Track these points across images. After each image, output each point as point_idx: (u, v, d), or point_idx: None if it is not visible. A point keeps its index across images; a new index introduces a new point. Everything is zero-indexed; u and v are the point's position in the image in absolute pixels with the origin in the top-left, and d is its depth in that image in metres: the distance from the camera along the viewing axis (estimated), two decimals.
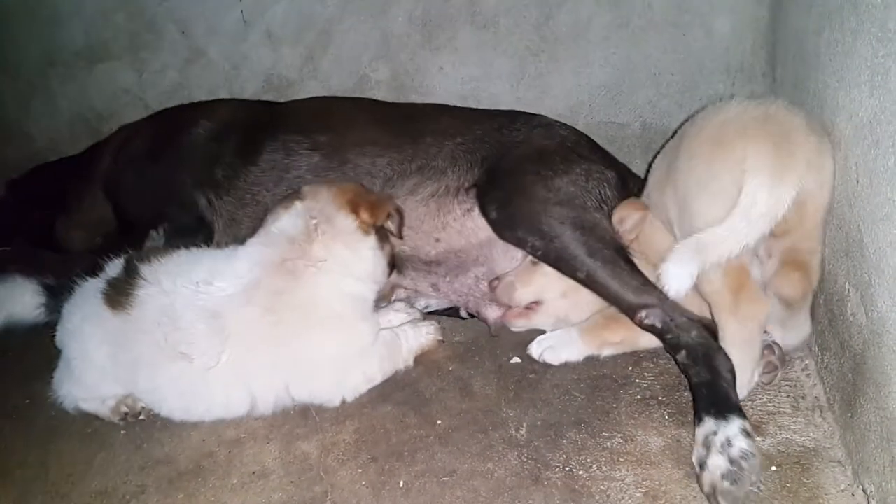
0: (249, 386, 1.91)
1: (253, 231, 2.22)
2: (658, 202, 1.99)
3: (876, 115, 1.48)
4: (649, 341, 2.02)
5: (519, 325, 2.26)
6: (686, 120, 2.01)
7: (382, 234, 2.08)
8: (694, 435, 1.65)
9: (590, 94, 2.95)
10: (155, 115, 2.92)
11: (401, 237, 2.15)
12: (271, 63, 3.16)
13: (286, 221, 1.99)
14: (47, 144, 3.43)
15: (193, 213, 2.51)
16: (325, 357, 1.95)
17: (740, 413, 1.64)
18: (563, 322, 2.21)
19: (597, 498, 1.60)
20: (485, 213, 2.22)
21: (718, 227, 1.61)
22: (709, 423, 1.63)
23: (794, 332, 1.92)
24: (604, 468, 1.68)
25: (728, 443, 1.57)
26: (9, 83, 3.52)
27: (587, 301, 2.13)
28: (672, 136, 2.04)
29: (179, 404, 1.95)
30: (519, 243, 2.15)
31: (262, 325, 1.87)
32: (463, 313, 2.41)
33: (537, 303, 2.21)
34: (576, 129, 2.47)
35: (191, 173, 2.56)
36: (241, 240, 2.29)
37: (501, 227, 2.18)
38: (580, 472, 1.68)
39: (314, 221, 1.97)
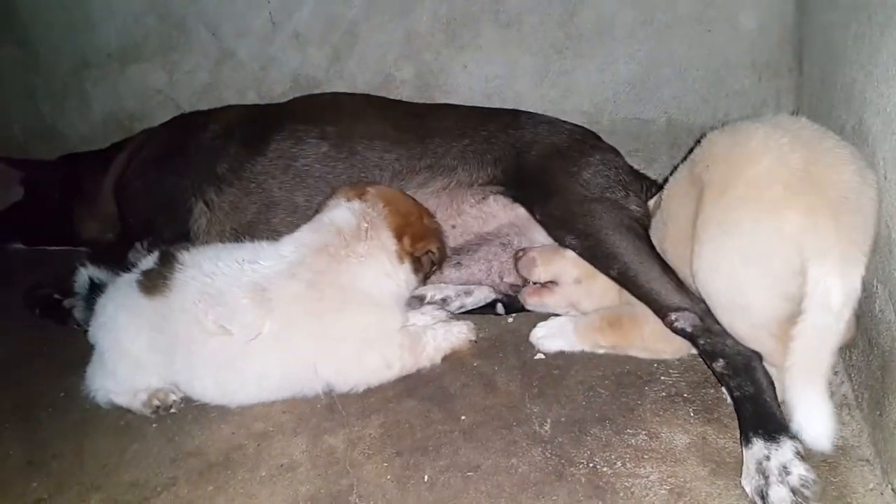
0: (284, 360, 1.97)
1: (257, 216, 2.38)
2: (681, 253, 1.84)
3: None
4: (639, 351, 2.06)
5: (532, 302, 2.28)
6: (694, 146, 1.85)
7: (419, 263, 2.13)
8: (743, 457, 1.59)
9: (614, 91, 2.94)
10: (171, 120, 2.98)
11: (441, 271, 2.24)
12: (298, 63, 3.20)
13: (339, 214, 2.08)
14: (81, 144, 3.50)
15: (181, 228, 2.53)
16: (352, 335, 2.00)
17: (789, 432, 1.56)
18: (574, 308, 2.23)
19: (621, 494, 1.60)
20: (532, 214, 2.27)
21: (805, 332, 1.44)
22: (758, 446, 1.57)
23: None
24: (628, 465, 1.68)
25: (785, 470, 1.51)
26: (44, 85, 3.61)
27: (599, 292, 2.16)
28: (683, 160, 1.91)
29: (214, 382, 2.00)
30: (559, 241, 2.18)
31: (304, 299, 1.96)
32: (499, 309, 2.42)
33: (553, 283, 2.24)
34: (575, 124, 2.49)
35: (193, 175, 2.58)
36: (244, 225, 2.37)
37: (547, 227, 2.22)
38: (604, 469, 1.68)
39: (365, 226, 2.06)
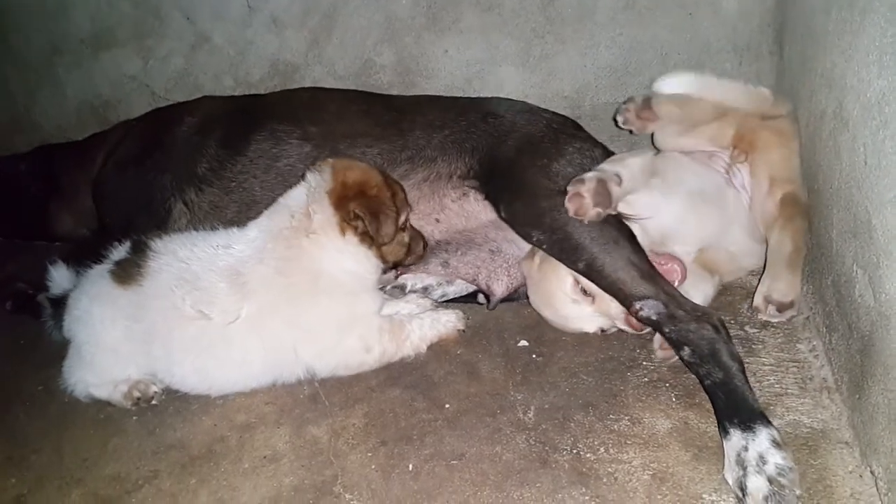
0: (264, 342, 1.96)
1: (238, 214, 2.36)
2: None
3: (884, 96, 1.46)
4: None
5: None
6: None
7: (366, 236, 2.01)
8: (724, 450, 1.59)
9: (596, 75, 2.93)
10: (146, 115, 2.91)
11: (376, 241, 2.03)
12: (276, 48, 3.15)
13: (294, 194, 2.06)
14: (55, 132, 3.44)
15: (160, 228, 2.45)
16: (326, 319, 1.99)
17: (764, 419, 1.59)
18: None
19: (604, 480, 1.61)
20: (497, 211, 2.24)
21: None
22: (736, 437, 1.57)
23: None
24: (611, 450, 1.69)
25: (762, 459, 1.51)
26: (15, 72, 3.53)
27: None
28: None
29: (193, 369, 1.99)
30: (525, 237, 2.16)
31: (276, 285, 1.95)
32: (481, 299, 2.41)
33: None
34: (555, 112, 2.47)
35: (172, 174, 2.53)
36: (226, 223, 2.33)
37: (512, 224, 2.19)
38: (588, 455, 1.69)
39: (311, 202, 2.01)
